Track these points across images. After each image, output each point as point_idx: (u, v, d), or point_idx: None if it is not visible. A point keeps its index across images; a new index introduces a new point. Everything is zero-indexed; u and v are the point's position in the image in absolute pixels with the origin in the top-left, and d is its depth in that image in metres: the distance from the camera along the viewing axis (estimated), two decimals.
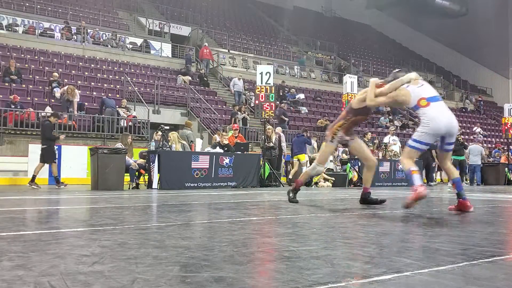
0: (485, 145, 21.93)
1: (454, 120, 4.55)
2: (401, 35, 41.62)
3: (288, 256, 2.16)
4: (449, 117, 4.50)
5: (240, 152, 11.34)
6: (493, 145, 21.89)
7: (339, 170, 13.93)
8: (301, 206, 5.55)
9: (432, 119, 4.41)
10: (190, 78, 19.16)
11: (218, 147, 11.05)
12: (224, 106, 18.44)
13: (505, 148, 19.25)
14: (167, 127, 10.88)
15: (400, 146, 16.42)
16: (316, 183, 12.12)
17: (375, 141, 16.47)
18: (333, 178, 12.52)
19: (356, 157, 13.63)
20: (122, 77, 16.85)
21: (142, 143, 13.65)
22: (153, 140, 11.05)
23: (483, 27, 35.12)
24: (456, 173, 4.86)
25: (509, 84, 34.69)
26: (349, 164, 13.12)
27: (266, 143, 12.22)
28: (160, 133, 10.32)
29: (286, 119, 18.31)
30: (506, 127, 18.38)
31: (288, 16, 36.17)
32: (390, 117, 23.29)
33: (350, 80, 13.65)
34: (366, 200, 5.55)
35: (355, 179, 12.90)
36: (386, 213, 4.60)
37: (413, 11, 38.71)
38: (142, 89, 16.68)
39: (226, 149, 11.24)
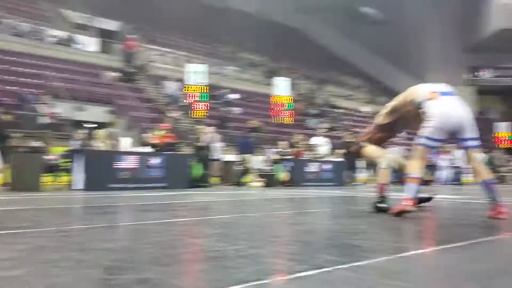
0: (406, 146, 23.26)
1: (465, 114, 4.11)
2: (329, 40, 43.06)
3: (214, 256, 2.17)
4: (461, 111, 4.11)
5: (170, 152, 11.17)
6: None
7: (270, 170, 14.13)
8: (231, 206, 5.59)
9: (439, 111, 4.06)
10: (117, 74, 18.54)
11: (147, 147, 10.81)
12: (153, 104, 18.06)
13: None
14: (92, 125, 10.46)
15: (329, 147, 17.01)
16: (248, 183, 12.22)
17: (303, 142, 16.89)
18: (264, 179, 12.67)
19: (289, 157, 14.08)
20: (44, 72, 15.95)
21: (65, 142, 13.01)
22: (76, 138, 10.59)
23: (404, 36, 37.31)
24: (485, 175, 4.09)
25: None
26: (279, 165, 13.36)
27: (197, 143, 12.13)
28: (84, 131, 9.91)
29: (229, 125, 18.38)
30: None
31: (220, 15, 36.15)
32: (319, 119, 24.03)
33: (280, 82, 13.91)
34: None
35: (285, 179, 13.15)
36: (313, 212, 4.75)
37: (341, 17, 40.25)
38: (65, 84, 15.88)
39: (155, 148, 11.02)
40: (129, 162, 9.90)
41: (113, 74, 18.25)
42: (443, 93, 4.26)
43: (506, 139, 24.29)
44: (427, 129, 4.08)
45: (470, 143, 4.10)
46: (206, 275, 1.81)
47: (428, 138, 4.08)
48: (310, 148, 15.97)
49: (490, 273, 1.88)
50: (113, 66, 20.10)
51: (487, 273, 1.89)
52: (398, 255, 2.20)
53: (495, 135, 25.45)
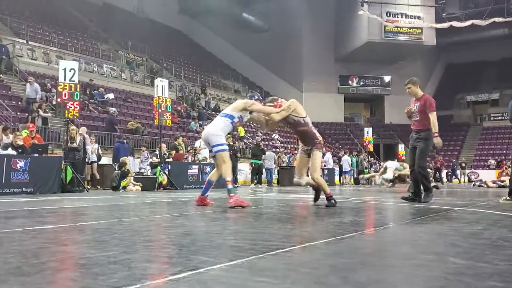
0: (282, 149, 24.41)
1: (205, 132, 5.75)
2: (212, 44, 43.51)
3: (83, 263, 2.06)
4: (205, 129, 5.84)
5: (37, 155, 10.31)
6: (289, 151, 24.48)
7: (149, 174, 13.80)
8: (105, 211, 5.36)
9: None
10: None
11: (10, 149, 9.84)
12: (20, 103, 16.53)
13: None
14: None
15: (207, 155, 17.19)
16: (124, 187, 11.78)
17: (184, 145, 16.81)
18: (140, 183, 12.33)
19: (169, 160, 13.88)
20: None
21: None
22: None
23: (282, 44, 39.16)
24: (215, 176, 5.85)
25: (302, 97, 39.33)
26: (159, 168, 13.11)
27: (68, 145, 11.37)
28: None
29: (118, 129, 17.51)
30: None
31: (98, 12, 34.45)
32: (200, 122, 24.11)
33: (161, 84, 13.67)
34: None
35: (164, 182, 12.95)
36: (191, 214, 4.75)
37: (223, 22, 40.90)
38: None
39: (20, 150, 10.08)
40: None
41: None
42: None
43: (370, 143, 26.77)
44: None
45: (211, 153, 5.76)
46: (73, 283, 1.71)
47: None
48: (191, 151, 15.95)
49: (350, 266, 2.06)
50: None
51: (348, 266, 2.07)
52: (269, 253, 2.31)
53: (364, 139, 27.90)
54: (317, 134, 5.94)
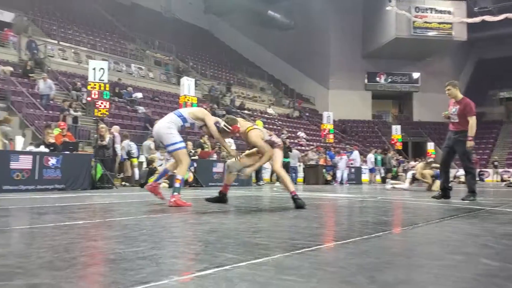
0: (310, 147, 24.27)
1: (156, 128, 5.46)
2: (237, 42, 43.59)
3: (113, 259, 2.11)
4: (155, 126, 5.56)
5: (68, 152, 10.57)
6: (315, 148, 24.30)
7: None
8: (134, 208, 5.45)
9: None
10: (11, 68, 17.09)
11: (43, 146, 10.12)
12: (51, 102, 16.96)
13: (324, 151, 21.57)
14: None
15: (235, 148, 17.27)
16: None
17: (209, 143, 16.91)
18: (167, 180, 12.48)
19: (195, 157, 14.02)
20: None
21: None
22: None
23: (308, 41, 38.89)
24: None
25: (328, 94, 39.02)
26: None
27: (98, 143, 11.61)
28: None
29: (151, 128, 17.80)
30: (324, 133, 20.68)
31: (126, 12, 34.98)
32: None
33: (187, 82, 13.80)
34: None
35: (190, 180, 13.07)
36: (216, 211, 4.78)
37: (248, 20, 40.93)
38: None
39: (52, 148, 10.35)
40: (22, 163, 9.20)
41: (6, 68, 16.77)
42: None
43: (398, 141, 26.28)
44: None
45: (169, 149, 5.42)
46: (103, 278, 1.75)
47: None
48: (215, 149, 16.04)
49: (377, 266, 2.04)
50: (7, 59, 18.63)
51: (374, 266, 2.04)
52: (295, 252, 2.31)
53: (392, 137, 27.40)
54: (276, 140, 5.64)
